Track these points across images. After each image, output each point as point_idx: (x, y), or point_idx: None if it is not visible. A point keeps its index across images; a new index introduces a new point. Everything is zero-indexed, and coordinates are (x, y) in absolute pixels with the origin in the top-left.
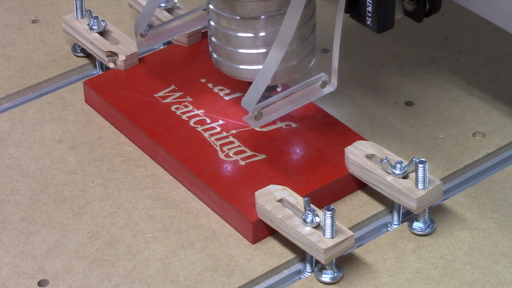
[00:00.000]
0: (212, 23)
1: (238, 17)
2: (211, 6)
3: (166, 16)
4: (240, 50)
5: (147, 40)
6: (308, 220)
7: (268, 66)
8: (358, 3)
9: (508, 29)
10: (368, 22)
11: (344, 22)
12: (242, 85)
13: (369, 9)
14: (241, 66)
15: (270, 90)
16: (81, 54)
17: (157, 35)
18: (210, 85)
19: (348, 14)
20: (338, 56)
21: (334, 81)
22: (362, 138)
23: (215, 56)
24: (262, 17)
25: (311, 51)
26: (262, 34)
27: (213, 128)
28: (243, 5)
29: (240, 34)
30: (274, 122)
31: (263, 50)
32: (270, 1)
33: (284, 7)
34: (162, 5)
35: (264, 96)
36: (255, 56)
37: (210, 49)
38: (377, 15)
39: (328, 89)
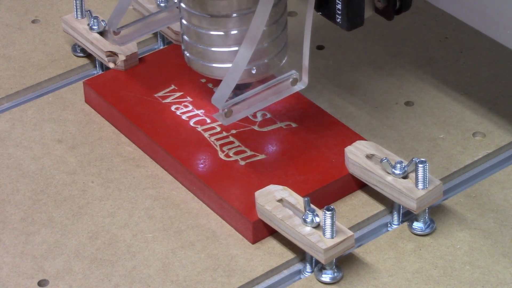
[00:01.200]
0: (183, 21)
1: (209, 15)
2: (182, 5)
3: (162, 13)
4: (212, 48)
5: (120, 38)
6: (308, 220)
7: (238, 63)
8: (328, 1)
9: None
10: (338, 20)
11: None
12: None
13: (339, 6)
14: (213, 64)
15: (244, 88)
16: (81, 54)
17: (130, 33)
18: (210, 85)
19: (319, 13)
20: (308, 53)
21: (305, 78)
22: (362, 138)
23: (187, 54)
24: (234, 15)
25: (282, 49)
26: (233, 32)
27: (213, 128)
28: (214, 3)
29: (211, 32)
30: (274, 122)
31: (235, 48)
32: None
33: (255, 5)
34: (162, 5)
35: (237, 94)
36: (227, 54)
37: (183, 47)
38: (347, 13)
39: (299, 86)
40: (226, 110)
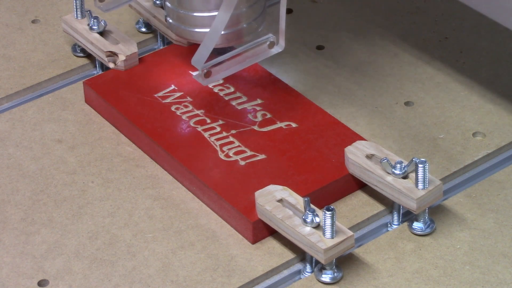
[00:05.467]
0: None
1: None
2: None
3: (161, 12)
4: (193, 13)
5: (105, 5)
6: (308, 220)
7: (216, 26)
8: None
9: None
10: None
11: (346, 23)
12: (242, 85)
13: None
14: (195, 29)
15: (224, 52)
16: (81, 54)
17: (114, 0)
18: (210, 85)
19: None
20: (284, 17)
21: (282, 42)
22: (362, 138)
23: (169, 20)
24: None
25: (261, 14)
26: None
27: (213, 128)
28: None
29: None
30: (274, 122)
31: (215, 13)
32: None
33: None
34: (158, 2)
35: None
36: (207, 19)
37: (165, 13)
38: None
39: (276, 49)
40: (205, 70)
